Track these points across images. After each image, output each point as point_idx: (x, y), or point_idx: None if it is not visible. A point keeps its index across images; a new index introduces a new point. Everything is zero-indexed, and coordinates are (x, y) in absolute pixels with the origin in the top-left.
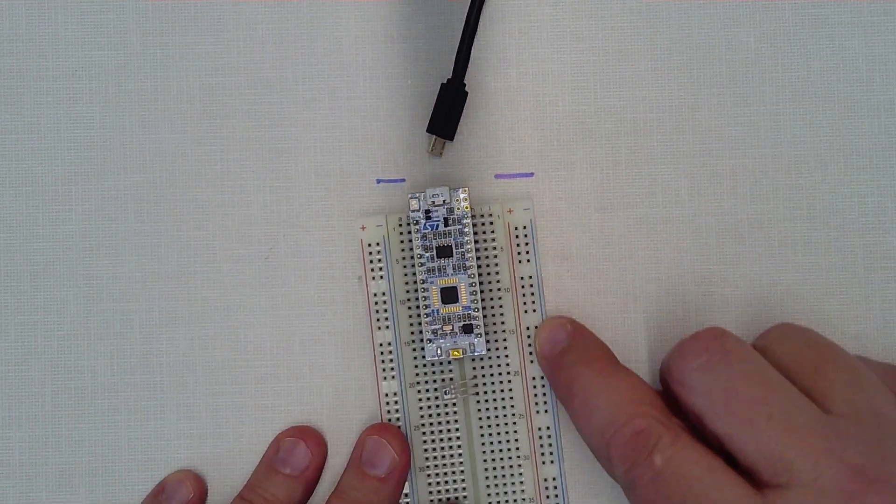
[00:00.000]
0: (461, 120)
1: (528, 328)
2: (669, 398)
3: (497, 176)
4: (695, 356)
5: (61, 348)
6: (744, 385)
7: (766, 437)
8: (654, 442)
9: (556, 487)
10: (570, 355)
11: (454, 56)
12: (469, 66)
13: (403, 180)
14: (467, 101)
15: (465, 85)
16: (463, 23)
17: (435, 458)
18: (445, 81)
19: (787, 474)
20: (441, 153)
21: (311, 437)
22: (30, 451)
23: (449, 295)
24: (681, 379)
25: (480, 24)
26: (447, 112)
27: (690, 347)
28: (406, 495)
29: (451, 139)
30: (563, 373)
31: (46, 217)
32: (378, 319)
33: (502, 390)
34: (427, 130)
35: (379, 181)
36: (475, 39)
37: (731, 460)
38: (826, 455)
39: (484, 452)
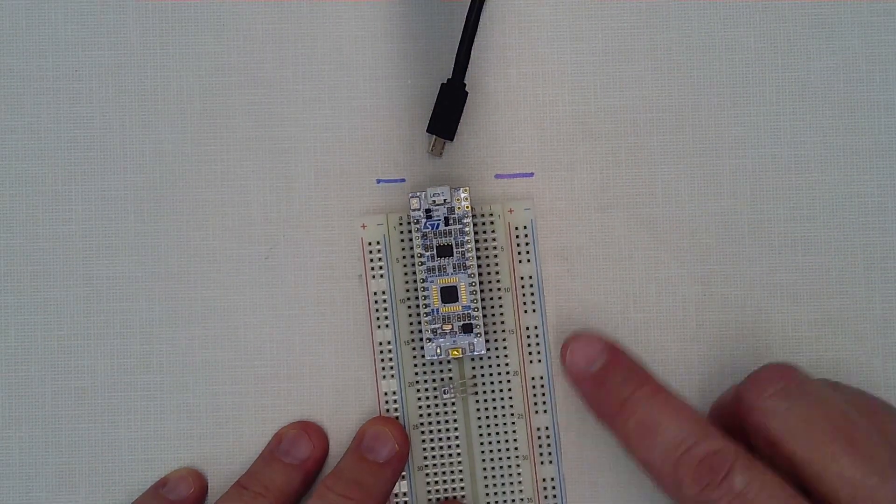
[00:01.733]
0: (461, 120)
1: (527, 328)
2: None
3: (497, 176)
4: (771, 383)
5: (61, 348)
6: (822, 411)
7: (847, 463)
8: (730, 463)
9: (554, 487)
10: (616, 375)
11: (454, 56)
12: (469, 66)
13: (403, 180)
14: (467, 101)
15: (465, 85)
16: (463, 23)
17: (434, 457)
18: (445, 81)
19: (868, 502)
20: (441, 153)
21: (313, 431)
22: (30, 451)
23: (449, 294)
24: (758, 405)
25: (480, 24)
26: (447, 112)
27: (766, 376)
28: (405, 494)
29: (451, 139)
30: (610, 393)
31: (46, 217)
32: (378, 318)
33: (501, 390)
34: (427, 130)
35: (379, 181)
36: (475, 39)
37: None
38: None
39: (483, 452)
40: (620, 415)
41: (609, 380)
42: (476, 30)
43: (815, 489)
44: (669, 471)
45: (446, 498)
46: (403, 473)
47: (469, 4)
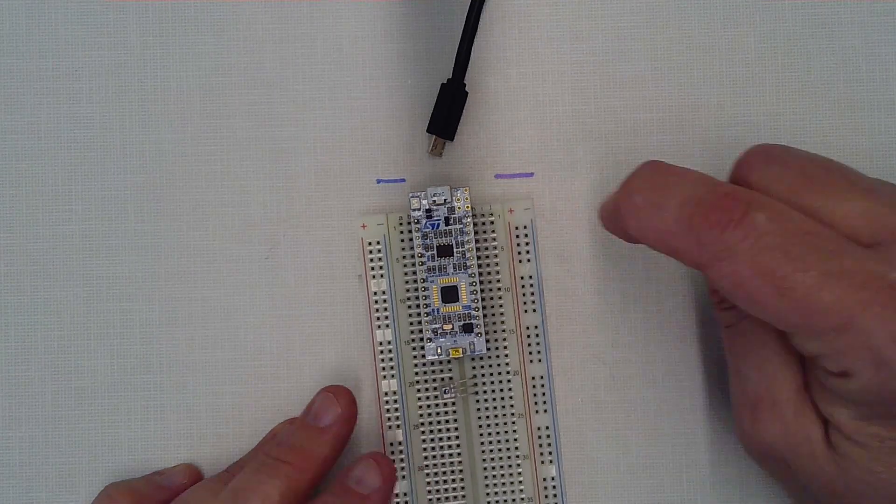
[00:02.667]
0: (461, 120)
1: (527, 328)
2: None
3: (497, 176)
4: (757, 157)
5: (61, 348)
6: (817, 163)
7: (854, 197)
8: (746, 202)
9: (555, 487)
10: (625, 181)
11: (454, 56)
12: (469, 66)
13: (403, 180)
14: (467, 101)
15: (465, 85)
16: (463, 23)
17: (434, 457)
18: (445, 81)
19: (889, 230)
20: (441, 153)
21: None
22: (30, 451)
23: (449, 294)
24: (750, 178)
25: (480, 24)
26: (447, 112)
27: (750, 154)
28: (405, 494)
29: (452, 139)
30: (621, 195)
31: (46, 217)
32: (378, 318)
33: (502, 390)
34: (427, 130)
35: (379, 181)
36: (475, 39)
37: None
38: None
39: (483, 452)
40: (629, 201)
41: (623, 189)
42: (476, 30)
43: (839, 230)
44: (685, 230)
45: (445, 498)
46: (403, 473)
47: (469, 4)
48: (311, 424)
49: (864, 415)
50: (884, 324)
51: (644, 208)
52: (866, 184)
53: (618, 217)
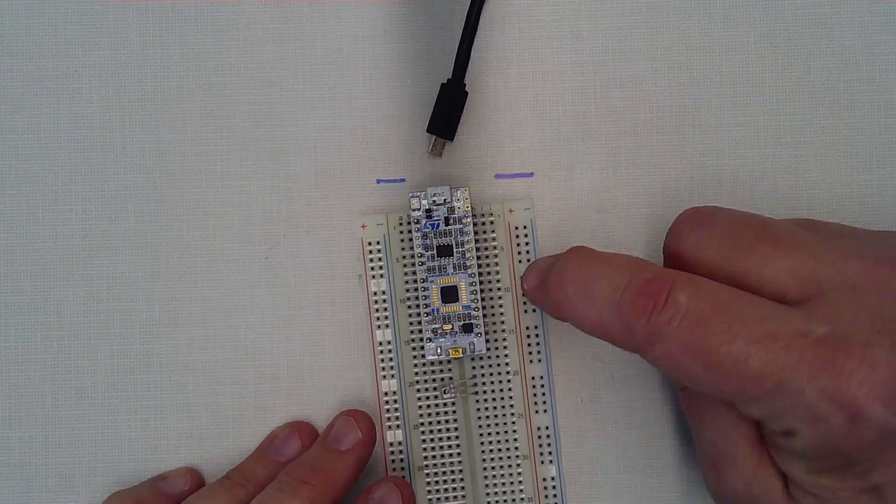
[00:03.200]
0: (461, 120)
1: (527, 328)
2: None
3: (497, 176)
4: (685, 224)
5: (61, 348)
6: (741, 224)
7: (781, 255)
8: (669, 284)
9: (554, 487)
10: (555, 263)
11: (454, 56)
12: (469, 66)
13: (403, 180)
14: (467, 101)
15: (465, 85)
16: (463, 23)
17: (434, 457)
18: (445, 81)
19: (815, 284)
20: (441, 153)
21: (305, 432)
22: (30, 451)
23: (449, 294)
24: (681, 249)
25: (480, 24)
26: (447, 112)
27: (679, 222)
28: None
29: (451, 139)
30: (550, 279)
31: (46, 217)
32: (378, 318)
33: (502, 390)
34: (427, 130)
35: (379, 181)
36: (475, 39)
37: None
38: (843, 256)
39: (483, 452)
40: (560, 292)
41: (549, 273)
42: (476, 30)
43: (766, 292)
44: (614, 317)
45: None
46: (403, 474)
47: (469, 4)
48: (333, 447)
49: (815, 468)
50: (812, 381)
51: (576, 300)
52: (793, 239)
53: (550, 303)
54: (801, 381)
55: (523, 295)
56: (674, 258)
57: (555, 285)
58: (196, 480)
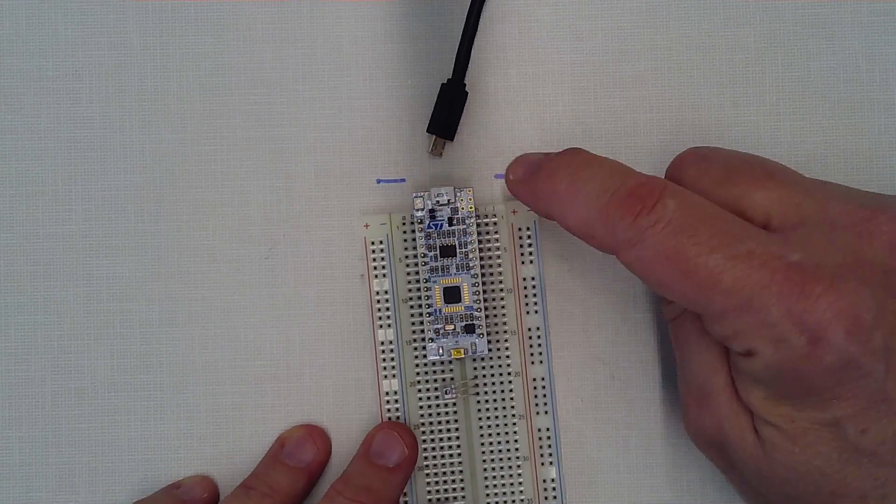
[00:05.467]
0: (461, 120)
1: (529, 329)
2: None
3: (497, 176)
4: (688, 156)
5: (61, 348)
6: (740, 158)
7: (772, 186)
8: (658, 190)
9: (555, 489)
10: (547, 159)
11: (454, 56)
12: (469, 66)
13: (403, 180)
14: (467, 101)
15: (465, 85)
16: (463, 23)
17: (434, 457)
18: (445, 81)
19: (798, 215)
20: (441, 153)
21: (317, 434)
22: (30, 451)
23: (451, 294)
24: (682, 177)
25: (480, 24)
26: (447, 112)
27: (681, 155)
28: (405, 494)
29: (452, 139)
30: (541, 173)
31: (46, 217)
32: (380, 318)
33: (503, 391)
34: (427, 130)
35: (379, 181)
36: (475, 39)
37: None
38: (829, 197)
39: (483, 452)
40: (550, 187)
41: (539, 170)
42: (476, 30)
43: (752, 219)
44: (600, 216)
45: (445, 498)
46: None
47: (469, 4)
48: (380, 464)
49: (773, 395)
50: (779, 301)
51: (565, 196)
52: (785, 174)
53: (536, 195)
54: (768, 299)
55: (507, 187)
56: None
57: (545, 179)
58: (211, 488)
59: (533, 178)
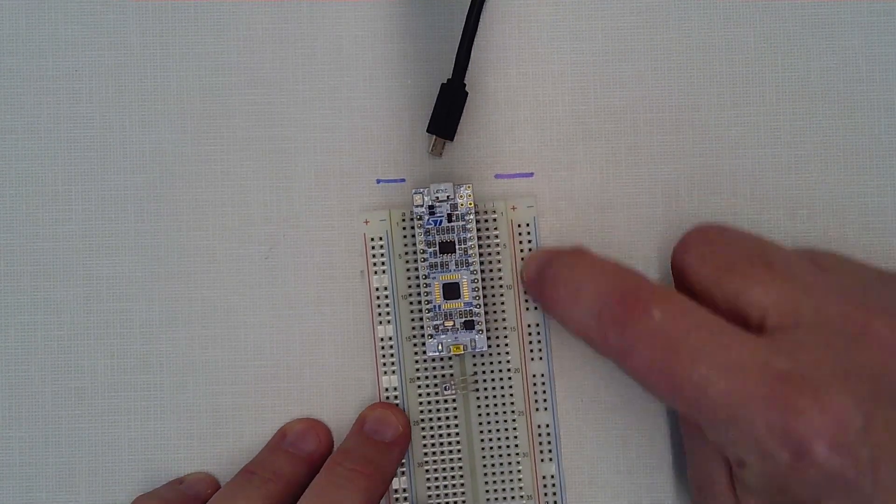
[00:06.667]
0: (461, 120)
1: (528, 325)
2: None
3: (497, 176)
4: (693, 239)
5: (61, 348)
6: (742, 248)
7: (769, 282)
8: (647, 298)
9: (554, 485)
10: (553, 261)
11: (454, 56)
12: (469, 66)
13: (403, 180)
14: (467, 101)
15: (465, 85)
16: (463, 23)
17: (434, 453)
18: (445, 81)
19: (794, 316)
20: (441, 153)
21: (319, 427)
22: (30, 451)
23: (451, 291)
24: (684, 264)
25: (480, 24)
26: (447, 112)
27: (688, 235)
28: (404, 490)
29: (452, 139)
30: (545, 279)
31: (46, 217)
32: (379, 314)
33: (502, 387)
34: (427, 130)
35: (379, 181)
36: (475, 39)
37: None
38: (827, 294)
39: (483, 449)
40: (554, 292)
41: (547, 269)
42: (476, 30)
43: (749, 317)
44: (595, 324)
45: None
46: (403, 469)
47: (469, 4)
48: (376, 439)
49: (766, 503)
50: (764, 415)
51: (565, 300)
52: (786, 267)
53: (543, 299)
54: (753, 413)
55: (523, 285)
56: (677, 271)
57: (549, 285)
58: (214, 485)
59: (540, 281)
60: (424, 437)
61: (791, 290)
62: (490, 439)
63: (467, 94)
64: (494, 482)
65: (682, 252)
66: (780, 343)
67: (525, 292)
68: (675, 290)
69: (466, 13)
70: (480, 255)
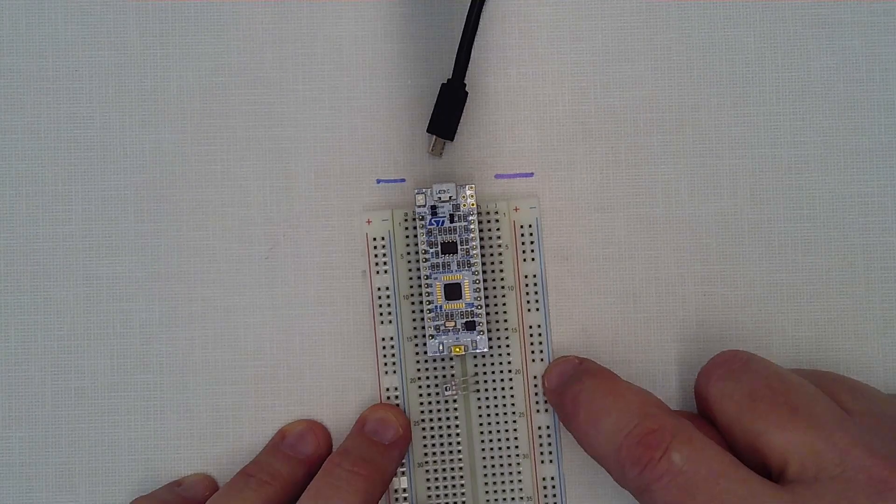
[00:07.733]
0: (461, 120)
1: (530, 326)
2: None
3: (497, 176)
4: (717, 368)
5: (61, 348)
6: (765, 384)
7: (792, 429)
8: (668, 440)
9: (554, 486)
10: (575, 378)
11: (454, 56)
12: (469, 66)
13: (403, 180)
14: (467, 101)
15: (465, 85)
16: (463, 23)
17: (434, 454)
18: (445, 81)
19: (816, 467)
20: (441, 153)
21: (318, 429)
22: (30, 451)
23: (452, 291)
24: (708, 394)
25: (480, 24)
26: (447, 112)
27: (713, 364)
28: (404, 490)
29: (452, 139)
30: (567, 393)
31: (46, 217)
32: (381, 314)
33: (503, 388)
34: (427, 130)
35: (379, 181)
36: (475, 39)
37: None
38: (851, 446)
39: (483, 450)
40: (573, 412)
41: (568, 384)
42: (476, 30)
43: (769, 462)
44: (613, 457)
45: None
46: (403, 469)
47: (469, 4)
48: (375, 440)
49: None
50: None
51: (584, 425)
52: (810, 411)
53: (562, 412)
54: None
55: (542, 388)
56: (700, 399)
57: (569, 404)
58: (212, 486)
59: (561, 395)
60: (425, 437)
61: (814, 439)
62: (490, 440)
63: (467, 94)
64: (494, 483)
65: (706, 382)
66: (800, 498)
67: (543, 391)
68: (696, 431)
69: (466, 13)
70: (482, 255)
